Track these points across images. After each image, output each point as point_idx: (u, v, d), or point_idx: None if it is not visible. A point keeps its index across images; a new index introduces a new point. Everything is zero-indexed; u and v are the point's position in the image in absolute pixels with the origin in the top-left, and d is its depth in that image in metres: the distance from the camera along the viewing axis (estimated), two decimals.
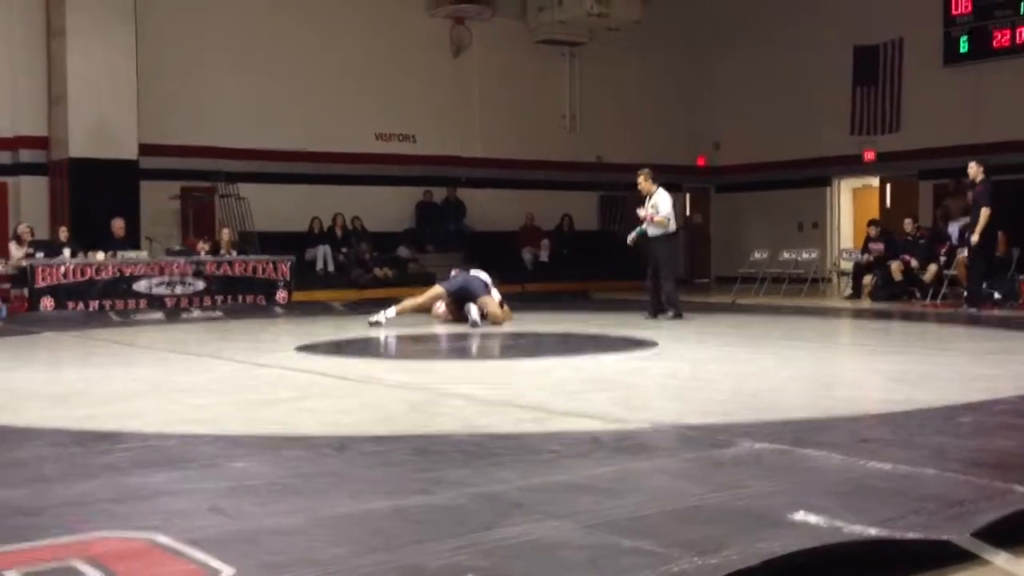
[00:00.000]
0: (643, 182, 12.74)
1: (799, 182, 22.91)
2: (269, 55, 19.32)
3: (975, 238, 13.50)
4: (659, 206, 12.51)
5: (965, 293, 13.99)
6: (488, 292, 12.34)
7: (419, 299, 12.52)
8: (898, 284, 16.07)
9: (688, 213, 24.06)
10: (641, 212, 12.73)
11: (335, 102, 19.90)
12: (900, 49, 21.11)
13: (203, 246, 16.40)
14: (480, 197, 21.69)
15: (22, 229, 15.37)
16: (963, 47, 20.15)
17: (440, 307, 12.51)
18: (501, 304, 12.45)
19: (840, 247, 21.72)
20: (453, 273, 13.04)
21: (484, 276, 12.71)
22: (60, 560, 3.09)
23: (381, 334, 11.55)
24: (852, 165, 22.20)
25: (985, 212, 13.39)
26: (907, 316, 13.58)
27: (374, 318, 12.00)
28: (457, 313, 12.32)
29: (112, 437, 5.22)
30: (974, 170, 13.71)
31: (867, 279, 16.95)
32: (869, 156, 21.76)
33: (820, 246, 20.85)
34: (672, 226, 12.56)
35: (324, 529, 3.45)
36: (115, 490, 4.03)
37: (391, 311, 12.10)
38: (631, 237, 12.94)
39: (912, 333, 11.70)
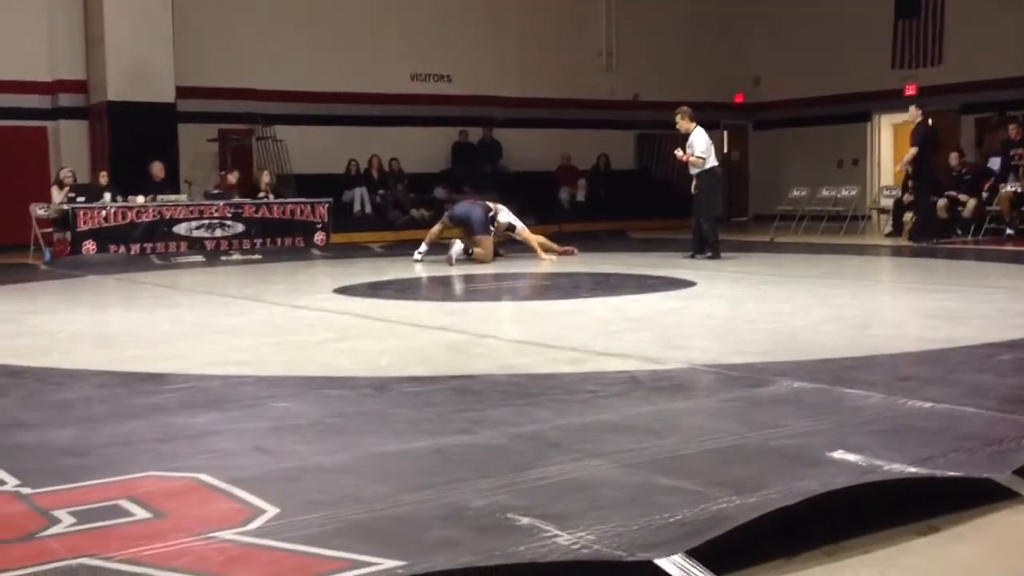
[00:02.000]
0: (680, 121, 12.64)
1: (838, 118, 22.58)
2: None
3: (897, 167, 14.86)
4: (694, 145, 12.42)
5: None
6: (487, 231, 12.85)
7: (435, 229, 13.46)
8: (941, 222, 15.84)
9: (726, 151, 23.81)
10: (679, 153, 12.65)
11: (371, 43, 19.80)
12: None
13: (232, 178, 16.53)
14: (516, 137, 21.55)
15: (64, 174, 15.48)
16: None
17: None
18: (493, 241, 12.97)
19: (880, 184, 21.46)
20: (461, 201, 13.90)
21: (507, 216, 13.37)
22: (107, 499, 3.16)
23: (420, 274, 11.63)
24: (893, 100, 21.83)
25: (912, 151, 14.73)
26: (947, 253, 13.44)
27: (416, 255, 13.02)
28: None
29: (157, 378, 5.30)
30: (912, 113, 14.95)
31: (907, 216, 16.73)
32: (910, 90, 21.38)
33: (860, 183, 20.60)
34: (709, 163, 12.46)
35: (366, 468, 3.50)
36: (160, 430, 4.10)
37: (423, 247, 13.08)
38: (693, 185, 12.77)
39: (952, 270, 11.59)
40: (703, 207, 12.53)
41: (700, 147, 12.38)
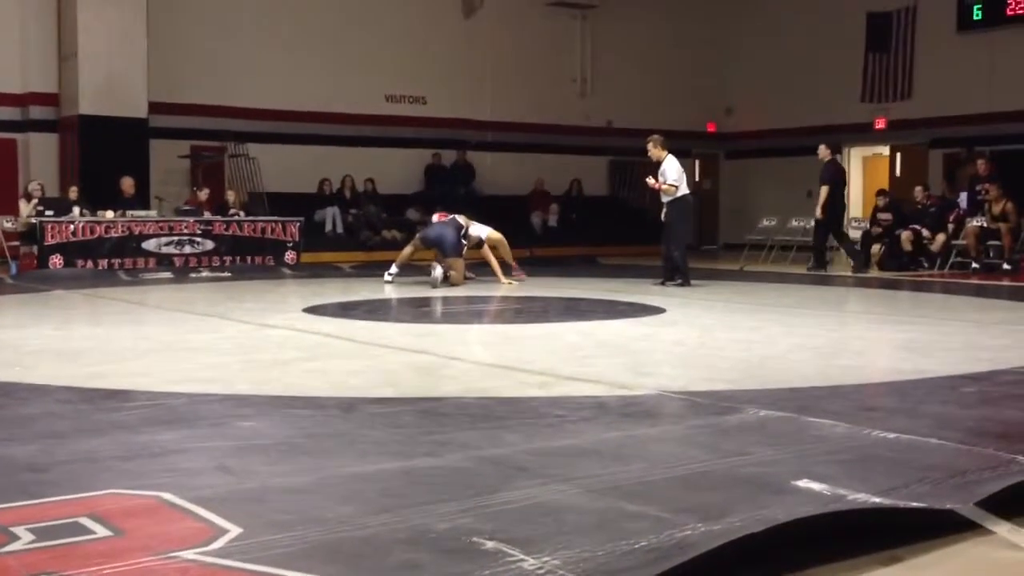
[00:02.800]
0: (652, 149, 12.68)
1: (809, 149, 22.65)
2: (280, 14, 19.23)
3: (817, 211, 15.39)
4: (666, 173, 12.47)
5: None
6: (459, 253, 12.71)
7: (407, 251, 13.24)
8: (907, 254, 16.02)
9: (697, 179, 23.96)
10: (650, 181, 12.69)
11: (346, 63, 19.82)
12: (913, 16, 20.94)
13: (202, 195, 16.48)
14: (490, 161, 21.61)
15: (33, 186, 15.36)
16: (976, 14, 19.96)
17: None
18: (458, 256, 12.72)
19: (849, 216, 21.63)
20: (435, 218, 13.63)
21: (478, 229, 13.24)
22: (68, 517, 3.13)
23: (390, 295, 11.61)
24: (863, 133, 22.07)
25: (824, 189, 15.40)
26: (914, 286, 13.56)
27: (387, 276, 12.84)
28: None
29: (121, 395, 5.25)
30: (823, 151, 15.78)
31: (875, 248, 16.89)
32: (880, 124, 21.64)
33: None
34: (681, 192, 12.52)
35: (331, 489, 3.48)
36: (123, 448, 4.06)
37: (393, 268, 12.91)
38: (663, 213, 12.79)
39: (919, 302, 11.69)
40: (674, 235, 12.57)
41: (672, 175, 12.43)
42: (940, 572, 2.90)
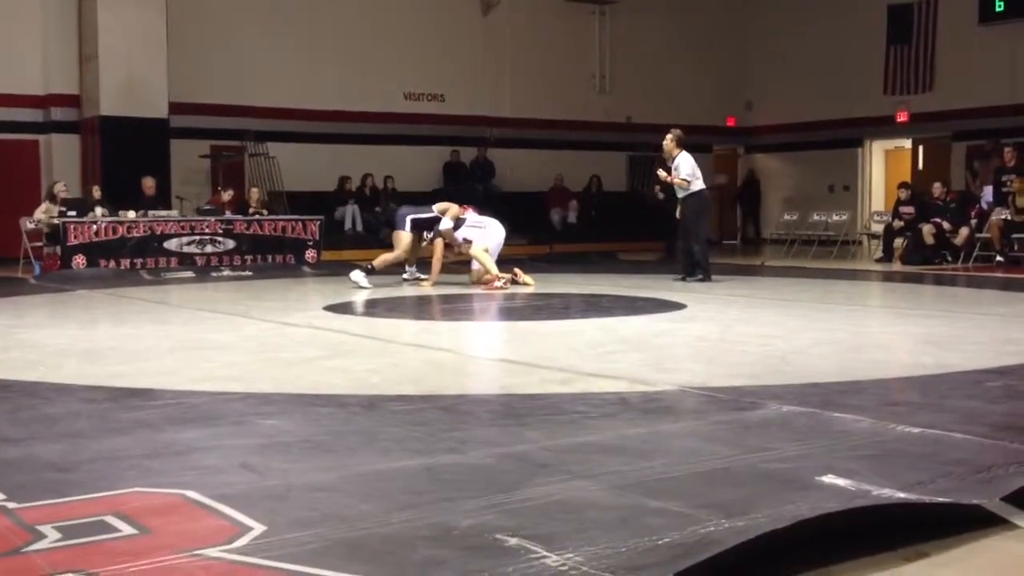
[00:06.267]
0: (668, 143, 12.59)
1: (830, 143, 22.71)
2: (299, 14, 19.31)
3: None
4: (680, 168, 12.42)
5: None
6: (404, 227, 12.43)
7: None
8: (929, 247, 15.93)
9: (713, 175, 23.88)
10: (662, 174, 12.68)
11: (364, 61, 19.87)
12: (935, 8, 20.83)
13: (226, 196, 16.49)
14: (509, 157, 21.62)
15: (58, 188, 15.42)
16: (999, 5, 19.86)
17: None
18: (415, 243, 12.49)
19: (871, 209, 21.55)
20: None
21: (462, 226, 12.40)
22: (93, 515, 3.14)
23: (410, 293, 11.63)
24: (884, 126, 21.98)
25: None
26: (938, 279, 13.48)
27: (404, 275, 12.72)
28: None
29: (144, 394, 5.27)
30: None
31: (898, 242, 16.81)
32: (902, 117, 21.53)
33: (851, 208, 20.70)
34: (695, 187, 12.45)
35: (354, 486, 3.48)
36: (147, 446, 4.08)
37: (408, 267, 12.82)
38: (679, 210, 12.75)
39: (943, 296, 11.62)
40: (692, 230, 12.53)
41: (685, 170, 12.38)
42: (966, 568, 2.88)
